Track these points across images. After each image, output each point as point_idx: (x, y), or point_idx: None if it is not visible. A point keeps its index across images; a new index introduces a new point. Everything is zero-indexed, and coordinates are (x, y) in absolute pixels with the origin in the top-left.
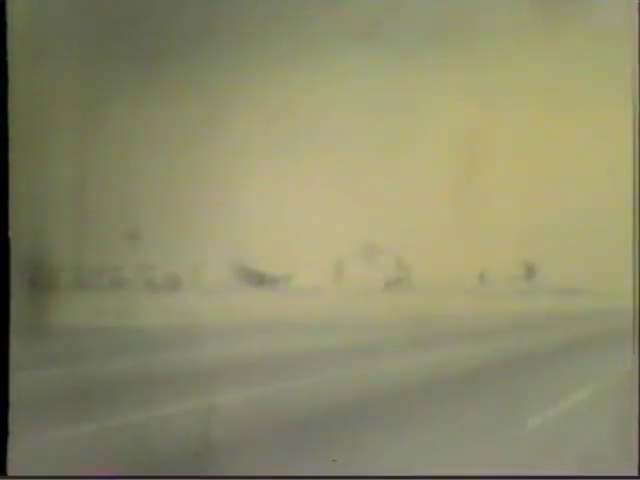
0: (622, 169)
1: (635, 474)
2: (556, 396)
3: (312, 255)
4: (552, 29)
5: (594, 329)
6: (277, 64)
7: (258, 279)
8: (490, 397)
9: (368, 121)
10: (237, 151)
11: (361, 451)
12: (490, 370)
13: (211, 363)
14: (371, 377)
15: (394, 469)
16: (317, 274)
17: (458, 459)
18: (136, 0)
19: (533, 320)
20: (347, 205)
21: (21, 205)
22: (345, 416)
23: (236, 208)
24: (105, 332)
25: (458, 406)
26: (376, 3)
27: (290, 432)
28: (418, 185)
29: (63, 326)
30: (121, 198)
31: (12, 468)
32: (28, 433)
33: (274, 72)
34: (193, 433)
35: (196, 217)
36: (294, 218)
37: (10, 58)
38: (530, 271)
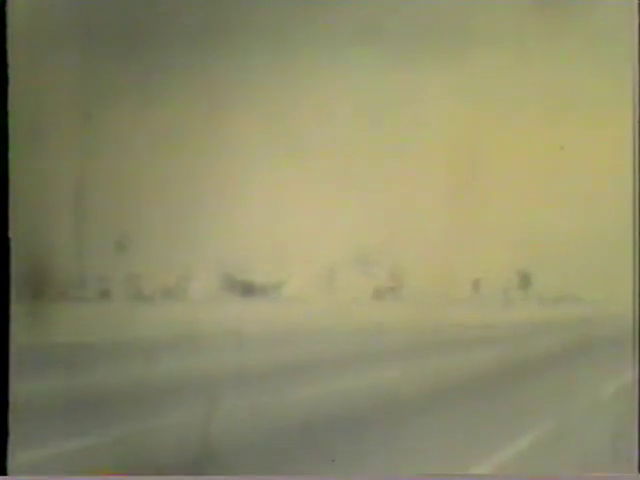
0: (622, 175)
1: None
2: (552, 409)
3: (304, 263)
4: (552, 29)
5: (590, 337)
6: (278, 64)
7: (249, 288)
8: (485, 407)
9: (362, 128)
10: (230, 159)
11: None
12: (487, 379)
13: (204, 374)
14: (361, 388)
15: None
16: (308, 282)
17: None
18: (136, 0)
19: (528, 329)
20: (340, 212)
21: (21, 205)
22: (340, 426)
23: (228, 214)
24: (91, 344)
25: (450, 418)
26: (376, 3)
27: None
28: (413, 192)
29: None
30: (113, 203)
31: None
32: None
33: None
34: (184, 447)
35: (186, 224)
36: (287, 225)
37: (10, 58)
38: (525, 279)
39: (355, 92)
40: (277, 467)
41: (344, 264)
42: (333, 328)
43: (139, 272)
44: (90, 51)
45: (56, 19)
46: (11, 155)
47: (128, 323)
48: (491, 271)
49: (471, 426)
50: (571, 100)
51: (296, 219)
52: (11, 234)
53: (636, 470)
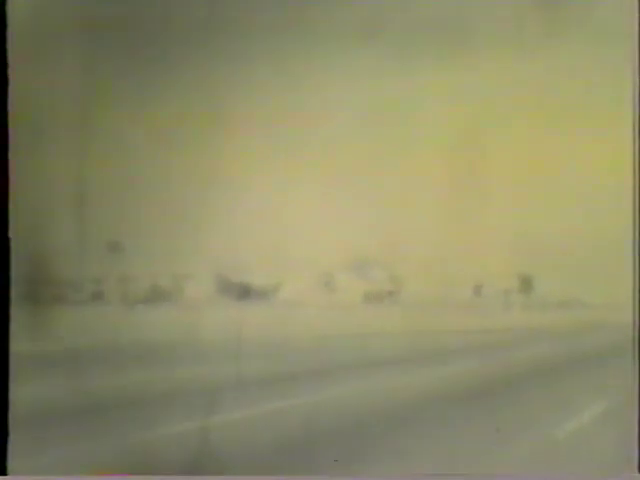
0: (622, 177)
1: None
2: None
3: (301, 266)
4: (552, 29)
5: (592, 343)
6: (278, 65)
7: (244, 292)
8: (486, 415)
9: (361, 131)
10: (228, 162)
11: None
12: (490, 386)
13: (199, 380)
14: (360, 393)
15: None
16: (306, 286)
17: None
18: (137, 0)
19: (530, 334)
20: (338, 215)
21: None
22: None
23: (225, 216)
24: (85, 348)
25: (449, 425)
26: (376, 4)
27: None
28: (413, 195)
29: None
30: (111, 205)
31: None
32: None
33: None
34: (178, 456)
35: (184, 227)
36: (285, 227)
37: (10, 58)
38: (527, 283)
39: (355, 94)
40: (275, 471)
41: (342, 267)
42: (331, 332)
43: (135, 274)
44: (90, 51)
45: (56, 19)
46: (11, 155)
47: (123, 326)
48: (492, 275)
49: (471, 434)
50: (571, 100)
51: (294, 222)
52: (11, 234)
53: (636, 470)
